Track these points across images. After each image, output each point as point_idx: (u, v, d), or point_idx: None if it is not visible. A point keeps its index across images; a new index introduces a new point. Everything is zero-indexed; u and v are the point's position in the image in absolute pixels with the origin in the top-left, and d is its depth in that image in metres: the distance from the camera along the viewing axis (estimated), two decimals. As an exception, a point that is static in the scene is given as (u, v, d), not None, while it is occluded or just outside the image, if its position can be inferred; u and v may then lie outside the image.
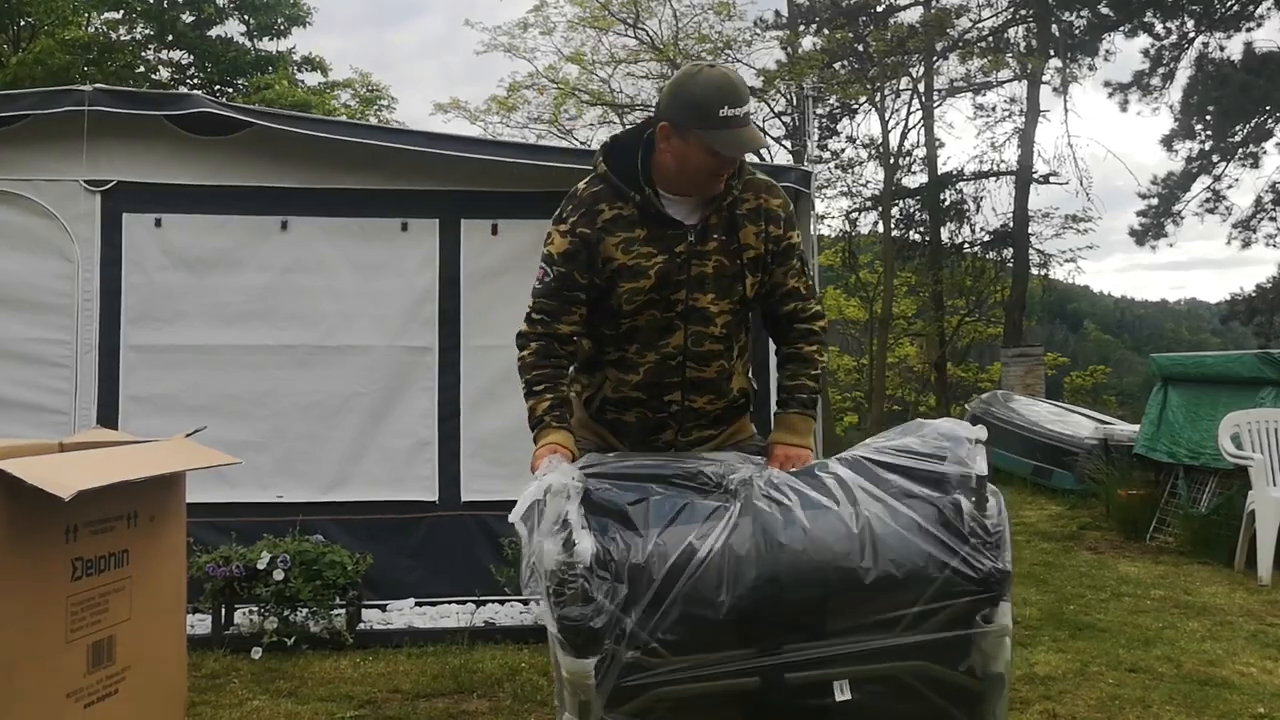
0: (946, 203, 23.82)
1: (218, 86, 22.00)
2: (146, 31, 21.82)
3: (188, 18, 21.28)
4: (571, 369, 2.88)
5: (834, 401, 24.06)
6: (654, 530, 2.29)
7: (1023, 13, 22.85)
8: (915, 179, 24.21)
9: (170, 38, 21.70)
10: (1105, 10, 22.21)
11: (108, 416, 5.44)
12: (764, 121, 23.94)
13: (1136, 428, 8.91)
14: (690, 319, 2.71)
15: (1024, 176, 22.53)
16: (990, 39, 22.99)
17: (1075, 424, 10.91)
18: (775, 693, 2.23)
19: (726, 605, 2.21)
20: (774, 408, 2.85)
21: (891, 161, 22.96)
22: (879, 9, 23.07)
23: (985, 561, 2.28)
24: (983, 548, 2.29)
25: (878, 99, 22.69)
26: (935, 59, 22.55)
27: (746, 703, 2.24)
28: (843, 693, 2.21)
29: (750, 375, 2.95)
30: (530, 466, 2.56)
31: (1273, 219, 22.91)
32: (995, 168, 23.48)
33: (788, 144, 22.92)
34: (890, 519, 2.31)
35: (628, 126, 4.00)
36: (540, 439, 2.66)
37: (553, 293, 2.72)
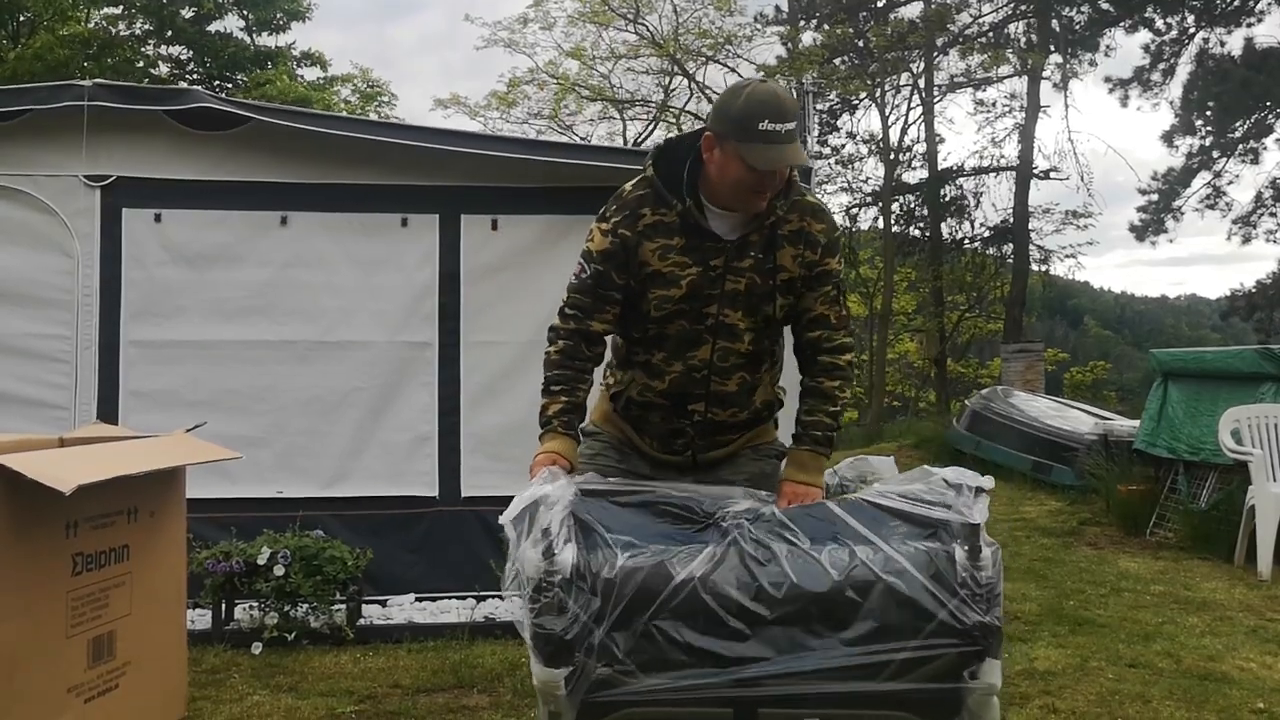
0: (947, 198, 23.84)
1: (217, 82, 21.99)
2: (146, 27, 21.79)
3: (187, 13, 21.25)
4: (605, 362, 2.90)
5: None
6: (635, 551, 2.28)
7: (1023, 8, 22.85)
8: (915, 175, 24.25)
9: (169, 33, 21.67)
10: (1105, 5, 22.23)
11: (108, 412, 5.44)
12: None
13: (1136, 423, 8.91)
14: (719, 334, 2.71)
15: (1024, 172, 22.54)
16: (990, 34, 23.00)
17: (1075, 420, 10.90)
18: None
19: (702, 632, 2.19)
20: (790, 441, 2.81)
21: (892, 157, 22.98)
22: (879, 4, 23.06)
23: (973, 615, 2.21)
24: (972, 600, 2.21)
25: (878, 94, 22.70)
26: (935, 54, 22.57)
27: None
28: None
29: (778, 385, 2.93)
30: (529, 470, 2.58)
31: (1273, 214, 22.93)
32: (995, 163, 23.51)
33: (788, 140, 22.87)
34: (881, 565, 2.25)
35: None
36: (543, 442, 2.67)
37: (588, 289, 2.73)
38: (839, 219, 23.59)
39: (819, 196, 2.72)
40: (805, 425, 2.76)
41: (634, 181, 2.73)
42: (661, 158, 2.69)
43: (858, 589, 2.22)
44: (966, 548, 2.26)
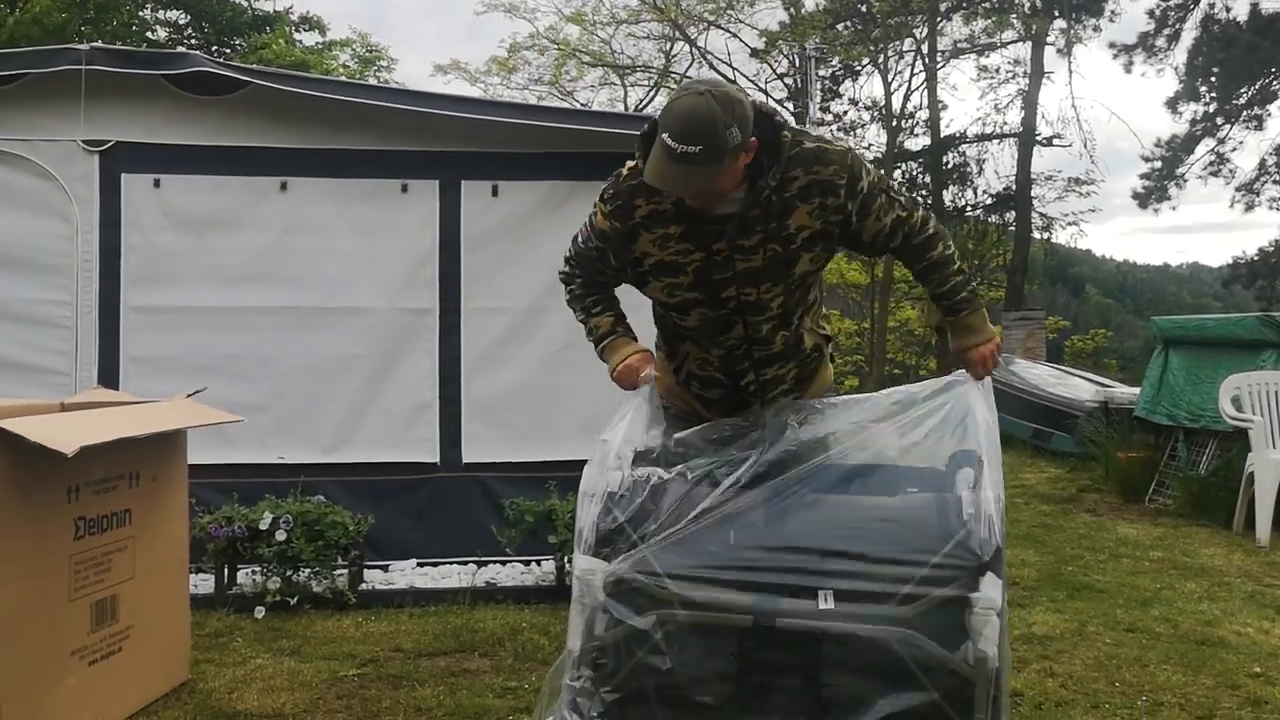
0: (949, 165, 23.74)
1: (215, 46, 21.85)
2: (143, -10, 21.64)
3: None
4: (655, 342, 2.97)
5: (835, 366, 24.02)
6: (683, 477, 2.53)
7: (1028, -28, 22.64)
8: (918, 141, 24.15)
9: (167, -4, 21.53)
10: (1111, -30, 22.02)
11: (109, 377, 5.43)
12: (766, 83, 23.83)
13: (1137, 391, 8.92)
14: (745, 311, 2.70)
15: (1027, 139, 22.45)
16: (994, -1, 22.80)
17: (1075, 387, 10.91)
18: (768, 633, 2.33)
19: (730, 545, 2.39)
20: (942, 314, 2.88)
21: (894, 124, 22.86)
22: (883, -32, 22.83)
23: (976, 537, 2.32)
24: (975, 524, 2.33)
25: (880, 60, 22.57)
26: (939, 19, 22.38)
27: (744, 638, 2.34)
28: (826, 602, 2.29)
29: (823, 324, 2.94)
30: (613, 377, 2.76)
31: (1276, 182, 22.86)
32: (998, 130, 23.39)
33: (790, 106, 22.79)
34: (895, 500, 2.44)
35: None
36: (615, 351, 2.79)
37: (588, 259, 2.80)
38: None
39: (818, 132, 2.67)
40: (944, 296, 2.78)
41: (629, 166, 2.66)
42: (645, 141, 2.59)
43: (873, 517, 2.41)
44: (971, 484, 2.41)
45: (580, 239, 2.78)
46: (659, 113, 2.47)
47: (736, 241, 2.58)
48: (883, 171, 2.73)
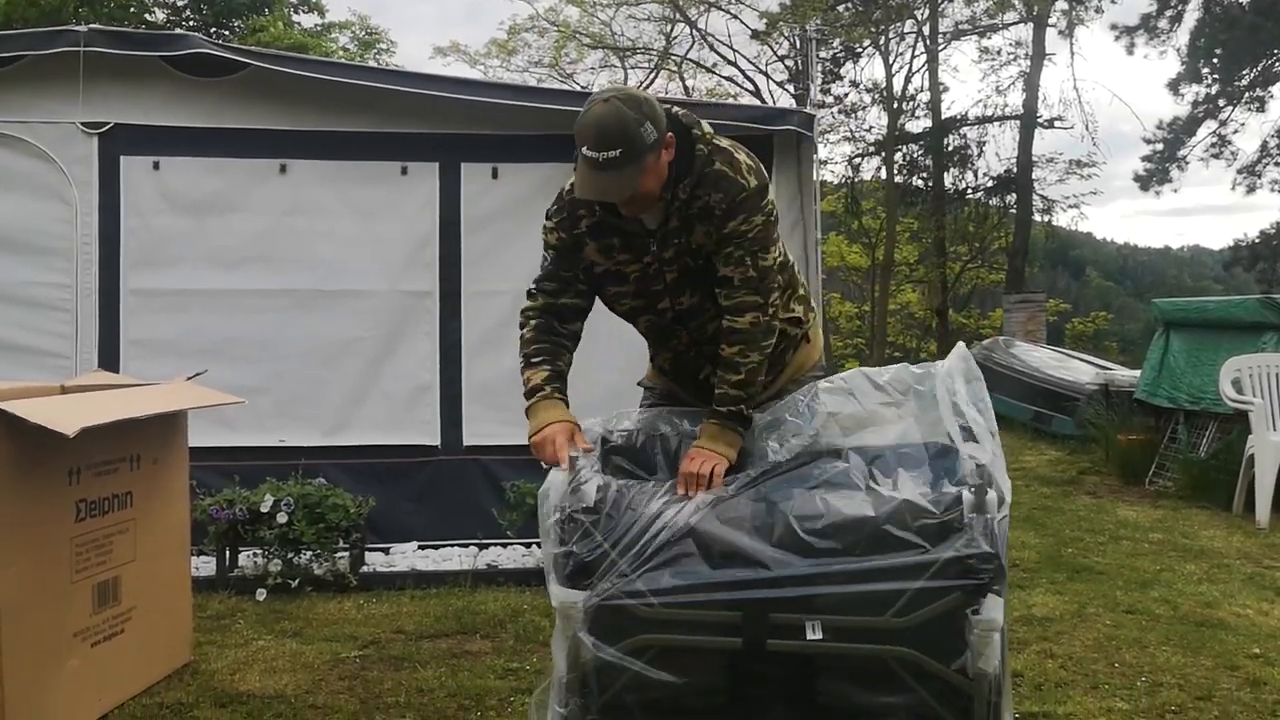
0: (950, 148, 23.65)
1: (213, 29, 21.76)
2: (141, -29, 21.54)
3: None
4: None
5: (835, 348, 24.06)
6: (654, 486, 2.44)
7: (1029, -47, 22.51)
8: (919, 124, 24.04)
9: (164, -23, 21.44)
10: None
11: (109, 360, 5.43)
12: (766, 65, 23.74)
13: (1137, 373, 8.92)
14: (683, 320, 2.72)
15: (1029, 121, 22.36)
16: (997, -21, 22.67)
17: (1076, 370, 10.91)
18: (759, 654, 2.26)
19: (716, 563, 2.28)
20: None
21: (895, 106, 22.78)
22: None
23: (977, 549, 2.23)
24: (977, 539, 2.24)
25: (882, 42, 22.47)
26: (940, 1, 22.27)
27: (732, 659, 2.29)
28: (814, 632, 2.22)
29: (792, 306, 2.84)
30: (533, 445, 2.59)
31: (1278, 164, 22.78)
32: (1000, 112, 23.30)
33: (790, 88, 22.73)
34: (889, 504, 2.31)
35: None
36: (537, 413, 2.64)
37: (552, 274, 2.75)
38: (842, 169, 23.53)
39: (736, 159, 2.57)
40: (715, 398, 2.64)
41: (572, 180, 2.63)
42: None
43: (868, 524, 2.28)
44: (974, 489, 2.28)
45: (540, 266, 2.79)
46: (575, 129, 2.47)
47: (660, 254, 2.62)
48: (768, 231, 2.60)
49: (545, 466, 2.53)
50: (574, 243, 2.68)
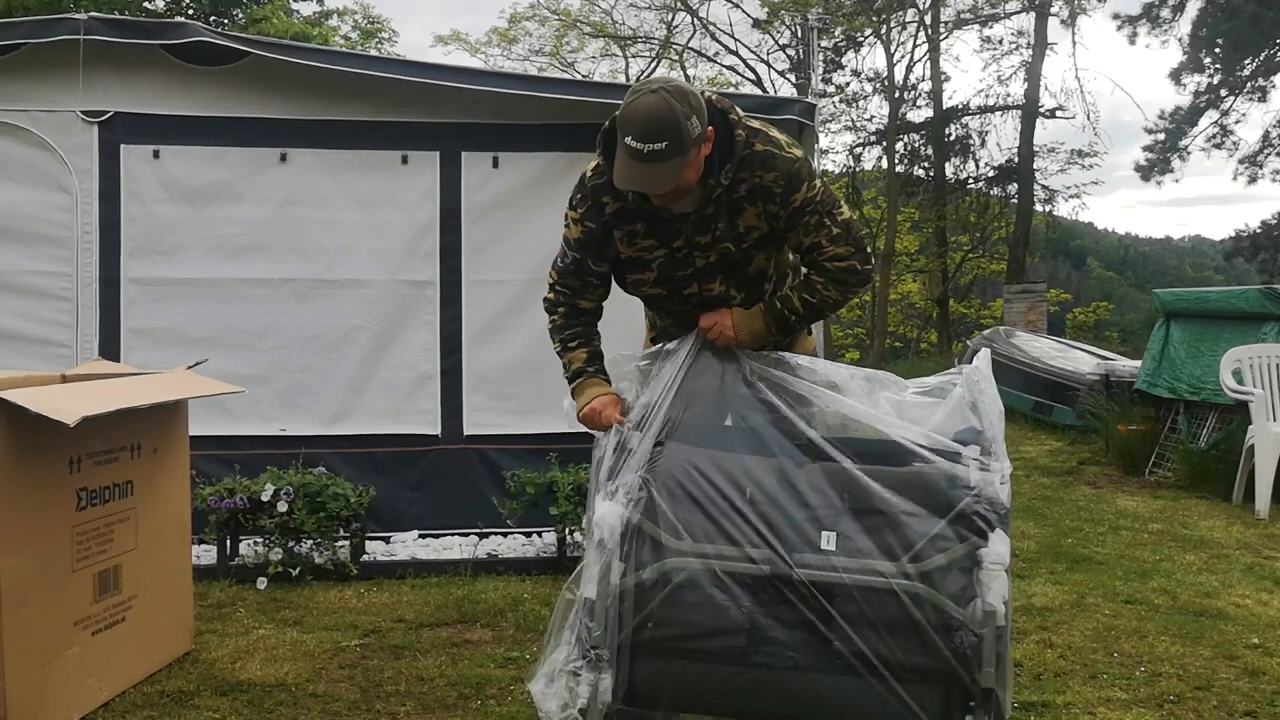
0: (951, 137, 23.63)
1: (213, 17, 21.69)
2: (140, -42, 21.43)
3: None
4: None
5: (836, 338, 24.07)
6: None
7: (1032, -58, 22.45)
8: (920, 114, 24.03)
9: (164, -35, 21.34)
10: (1115, -61, 21.82)
11: (110, 349, 5.43)
12: (768, 54, 23.70)
13: (1138, 364, 8.91)
14: (707, 305, 2.76)
15: (1030, 111, 22.32)
16: (999, -32, 22.62)
17: (1077, 360, 10.90)
18: (782, 586, 2.41)
19: (745, 501, 2.48)
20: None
21: (896, 95, 22.75)
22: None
23: (985, 499, 2.43)
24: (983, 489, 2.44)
25: (883, 31, 22.42)
26: (942, -10, 22.21)
27: (758, 590, 2.42)
28: (829, 544, 2.41)
29: (791, 288, 2.92)
30: (579, 417, 2.74)
31: (1279, 154, 22.72)
32: (1001, 102, 23.26)
33: (791, 77, 22.70)
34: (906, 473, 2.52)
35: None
36: (584, 391, 2.76)
37: (571, 274, 2.81)
38: (843, 159, 23.50)
39: (773, 136, 2.64)
40: (787, 303, 2.76)
41: (593, 166, 2.71)
42: (608, 137, 2.64)
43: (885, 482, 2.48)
44: (980, 451, 2.50)
45: (558, 260, 2.83)
46: (617, 115, 2.51)
47: (694, 239, 2.66)
48: (829, 190, 2.71)
49: (597, 435, 2.70)
50: (602, 232, 2.71)
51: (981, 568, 2.36)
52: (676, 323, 2.90)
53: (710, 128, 2.53)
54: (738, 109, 2.65)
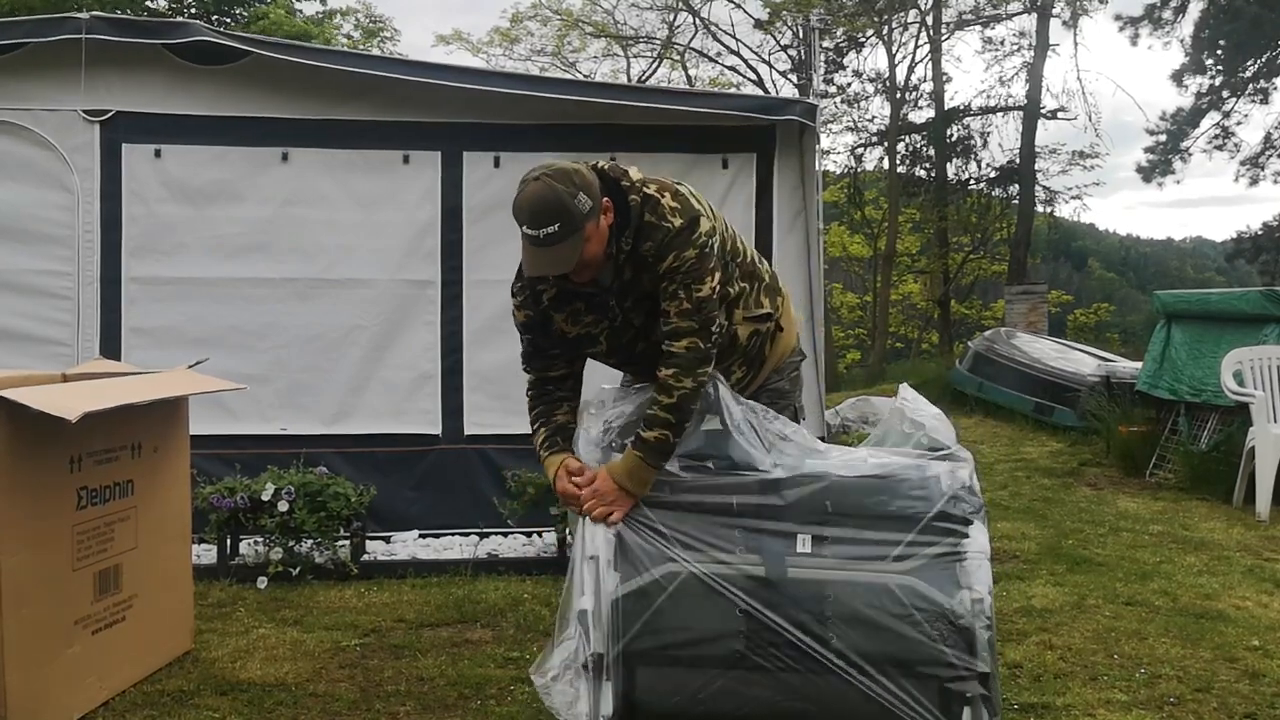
0: (953, 138, 23.60)
1: (215, 16, 21.71)
2: (142, -42, 21.44)
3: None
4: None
5: (837, 339, 24.08)
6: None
7: (1034, -57, 22.42)
8: (922, 114, 24.00)
9: (166, -36, 21.35)
10: (1117, -59, 21.83)
11: (110, 348, 5.44)
12: (769, 55, 23.69)
13: (1139, 365, 8.90)
14: (649, 359, 2.79)
15: (1032, 112, 22.29)
16: (1001, -31, 22.60)
17: (1078, 361, 10.90)
18: (775, 587, 2.48)
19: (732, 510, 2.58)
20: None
21: (898, 96, 22.75)
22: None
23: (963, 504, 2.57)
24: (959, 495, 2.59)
25: (885, 32, 22.42)
26: (944, -9, 22.20)
27: (752, 593, 2.49)
28: (804, 546, 2.51)
29: (762, 301, 2.96)
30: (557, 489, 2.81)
31: (1281, 156, 22.69)
32: (1003, 103, 23.24)
33: (793, 78, 22.70)
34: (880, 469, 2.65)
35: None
36: (548, 468, 2.86)
37: (531, 355, 2.91)
38: (844, 159, 23.47)
39: (661, 206, 2.63)
40: (644, 419, 2.71)
41: None
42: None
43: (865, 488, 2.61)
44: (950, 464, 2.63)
45: (520, 342, 2.92)
46: (512, 211, 2.58)
47: (622, 305, 2.74)
48: (704, 264, 2.65)
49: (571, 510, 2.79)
50: (542, 317, 2.80)
51: (965, 559, 2.47)
52: (640, 374, 2.95)
53: (606, 198, 2.60)
54: (630, 173, 2.69)
